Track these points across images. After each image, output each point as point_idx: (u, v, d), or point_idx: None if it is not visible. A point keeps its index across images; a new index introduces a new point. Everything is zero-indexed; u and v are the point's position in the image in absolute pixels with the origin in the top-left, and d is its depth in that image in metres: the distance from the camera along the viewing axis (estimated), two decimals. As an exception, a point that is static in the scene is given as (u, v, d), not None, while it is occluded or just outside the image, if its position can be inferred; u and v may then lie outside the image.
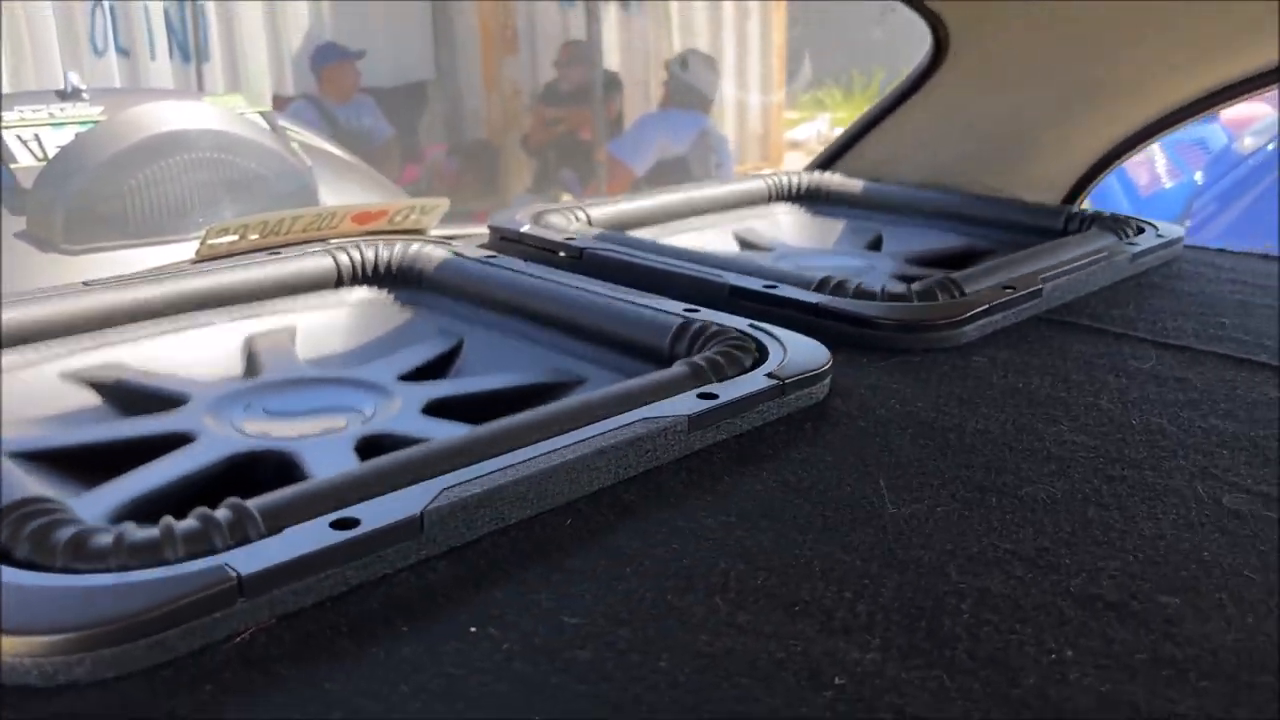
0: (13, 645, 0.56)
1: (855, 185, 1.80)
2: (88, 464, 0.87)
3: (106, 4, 6.22)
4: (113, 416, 1.02)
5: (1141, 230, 1.50)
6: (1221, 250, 1.60)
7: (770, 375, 0.93)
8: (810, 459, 0.86)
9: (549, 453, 0.77)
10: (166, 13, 6.53)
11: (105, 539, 0.63)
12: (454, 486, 0.72)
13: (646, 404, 0.86)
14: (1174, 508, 0.78)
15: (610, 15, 8.56)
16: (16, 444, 0.88)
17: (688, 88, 6.13)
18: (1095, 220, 1.53)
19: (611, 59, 8.55)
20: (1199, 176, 4.75)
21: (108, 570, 0.61)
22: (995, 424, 0.92)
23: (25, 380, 1.02)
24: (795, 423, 0.93)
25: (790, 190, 1.81)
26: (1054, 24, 1.67)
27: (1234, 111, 5.26)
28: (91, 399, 1.05)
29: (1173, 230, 1.53)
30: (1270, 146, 4.49)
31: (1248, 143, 4.67)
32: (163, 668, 0.58)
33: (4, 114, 1.93)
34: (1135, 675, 0.59)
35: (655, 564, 0.70)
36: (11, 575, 0.61)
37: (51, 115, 2.02)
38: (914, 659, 0.60)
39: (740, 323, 1.05)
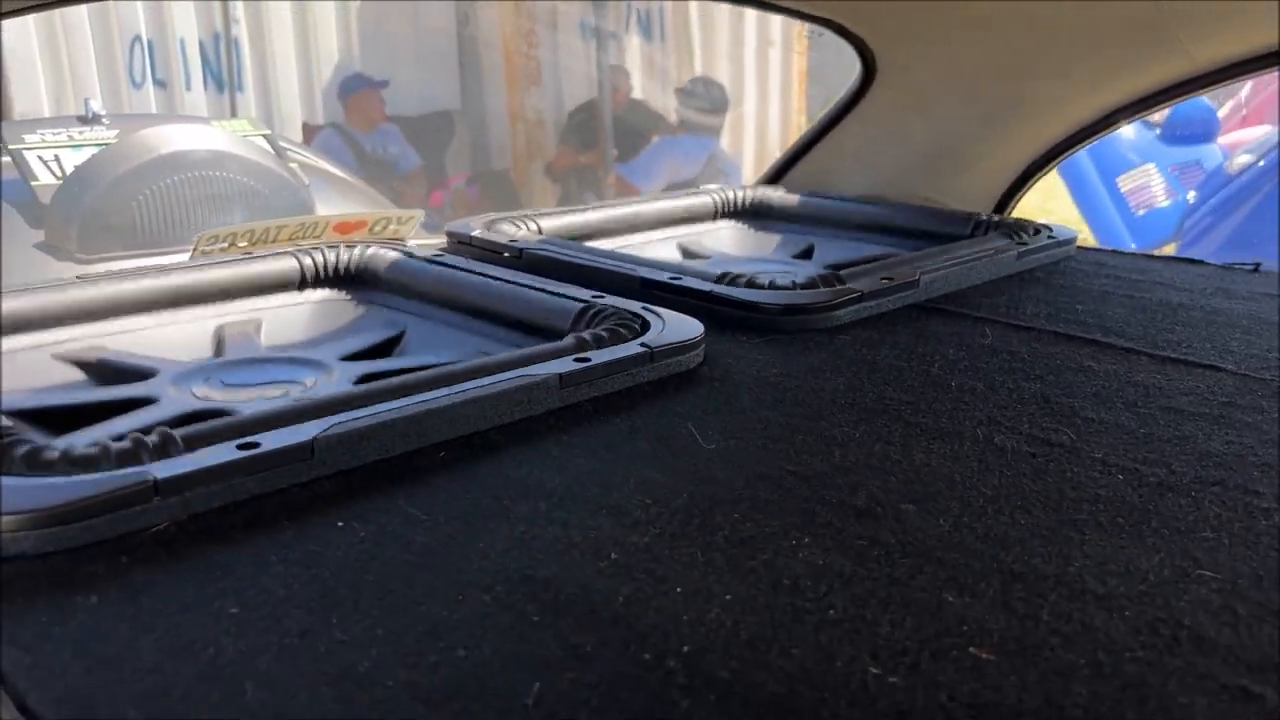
0: (-25, 524, 0.73)
1: (793, 200, 1.96)
2: (65, 421, 1.05)
3: (145, 38, 6.51)
4: (92, 388, 1.20)
5: (1037, 233, 1.65)
6: (1116, 251, 1.74)
7: (642, 344, 1.10)
8: (663, 410, 1.02)
9: (431, 399, 0.94)
10: (202, 46, 6.81)
11: (53, 453, 0.80)
12: (344, 422, 0.88)
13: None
14: (949, 445, 0.93)
15: (632, 45, 8.77)
16: (4, 404, 1.05)
17: (697, 113, 6.32)
18: (998, 225, 1.68)
19: (634, 87, 8.73)
20: (1191, 196, 4.86)
21: (54, 476, 0.78)
22: (830, 385, 1.08)
23: (21, 361, 1.20)
24: (663, 384, 1.09)
25: (735, 204, 1.97)
26: (971, 48, 1.82)
27: (1234, 134, 5.37)
28: (77, 375, 1.23)
29: (1066, 233, 1.68)
30: (1261, 164, 4.60)
31: (1240, 161, 4.78)
32: (91, 546, 0.75)
33: (27, 136, 2.13)
34: (848, 552, 0.74)
35: (499, 480, 0.86)
36: None
37: (71, 138, 2.22)
38: (680, 541, 0.76)
39: (636, 306, 1.22)
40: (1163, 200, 5.07)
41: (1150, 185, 5.10)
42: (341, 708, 0.57)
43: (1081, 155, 5.11)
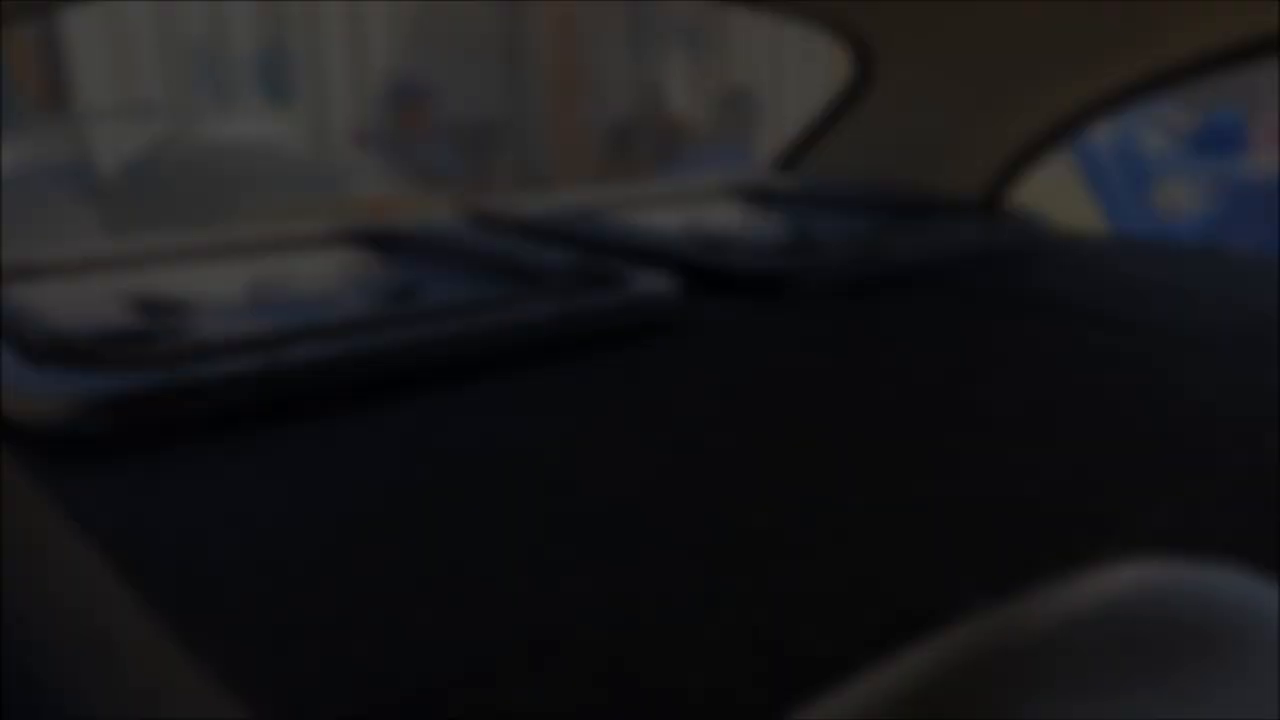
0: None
1: (795, 183, 2.11)
2: None
3: (205, 48, 6.78)
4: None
5: (1007, 215, 1.79)
6: (1084, 239, 1.88)
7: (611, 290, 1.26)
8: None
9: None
10: (258, 55, 7.07)
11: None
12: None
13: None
14: None
15: (675, 60, 8.96)
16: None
17: (733, 123, 6.50)
18: (969, 205, 1.82)
19: (677, 99, 8.92)
20: (1216, 206, 4.94)
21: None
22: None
23: (84, 295, 1.38)
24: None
25: (741, 189, 2.12)
26: (958, 41, 1.96)
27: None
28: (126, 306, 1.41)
29: (1035, 217, 1.81)
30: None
31: (1266, 171, 4.86)
32: None
33: (92, 125, 2.34)
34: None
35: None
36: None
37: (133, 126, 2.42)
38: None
39: (619, 264, 1.37)
40: (1190, 209, 5.15)
41: (1178, 196, 5.18)
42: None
43: (1109, 164, 5.21)
